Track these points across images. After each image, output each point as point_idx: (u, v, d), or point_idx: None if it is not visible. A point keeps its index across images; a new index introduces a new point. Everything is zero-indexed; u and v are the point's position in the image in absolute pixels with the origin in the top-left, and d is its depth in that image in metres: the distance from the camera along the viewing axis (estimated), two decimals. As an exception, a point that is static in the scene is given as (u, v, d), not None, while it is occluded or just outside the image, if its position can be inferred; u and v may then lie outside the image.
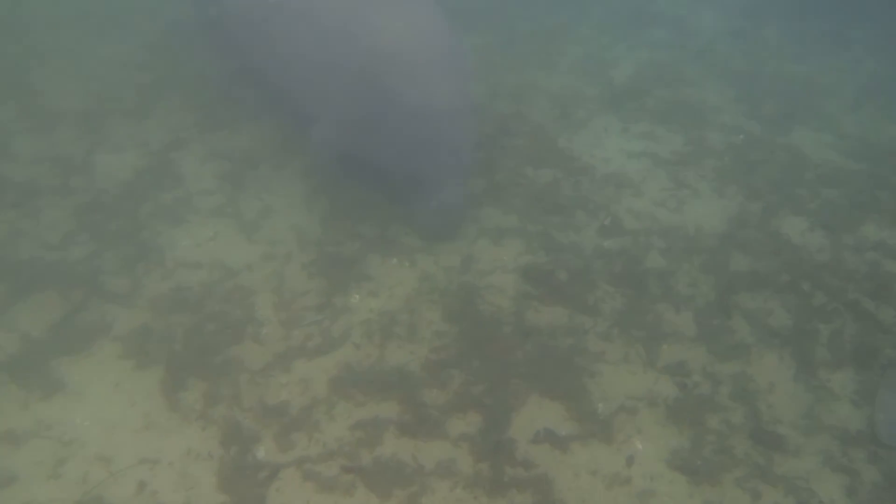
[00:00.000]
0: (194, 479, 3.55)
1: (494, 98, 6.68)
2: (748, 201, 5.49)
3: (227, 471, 3.59)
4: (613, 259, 4.90)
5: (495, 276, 4.74)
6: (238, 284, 4.62)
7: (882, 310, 4.62)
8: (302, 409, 3.90)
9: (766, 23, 8.35)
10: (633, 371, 4.17)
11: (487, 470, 3.61)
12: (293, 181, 5.47)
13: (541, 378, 4.05)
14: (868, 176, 5.86)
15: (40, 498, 3.45)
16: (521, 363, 4.13)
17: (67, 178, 5.40)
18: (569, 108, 6.58)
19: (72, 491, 3.48)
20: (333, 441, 3.74)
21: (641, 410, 3.95)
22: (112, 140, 5.83)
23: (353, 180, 5.44)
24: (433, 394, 3.98)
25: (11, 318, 4.35)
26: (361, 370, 4.11)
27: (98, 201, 5.19)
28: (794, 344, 4.36)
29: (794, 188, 5.64)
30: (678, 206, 5.43)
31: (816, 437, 3.87)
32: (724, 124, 6.41)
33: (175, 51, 7.11)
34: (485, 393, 3.97)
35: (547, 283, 4.64)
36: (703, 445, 3.78)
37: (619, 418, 3.88)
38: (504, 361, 4.13)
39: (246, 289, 4.59)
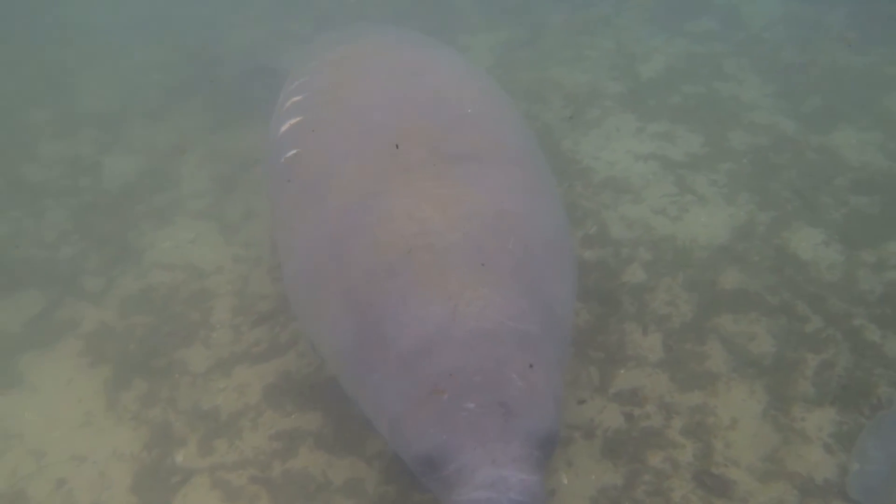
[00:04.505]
0: (111, 480, 3.64)
1: (507, 96, 6.41)
2: (759, 210, 4.93)
3: (143, 473, 3.65)
4: (589, 272, 4.56)
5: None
6: (203, 287, 4.69)
7: (889, 340, 4.00)
8: (231, 416, 3.90)
9: (831, 8, 7.49)
10: (580, 397, 3.85)
11: (393, 493, 3.45)
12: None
13: (472, 398, 3.82)
14: (913, 182, 5.12)
15: (-28, 487, 3.66)
16: (455, 381, 3.92)
17: (76, 179, 5.72)
18: (583, 106, 6.20)
19: None
20: (250, 450, 3.71)
21: (577, 441, 3.63)
22: (125, 142, 6.12)
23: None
24: (360, 408, 3.86)
25: (-4, 312, 4.66)
26: (299, 378, 4.06)
27: (98, 202, 5.46)
28: (772, 375, 3.86)
29: (818, 195, 5.02)
30: (678, 215, 4.97)
31: (773, 484, 3.40)
32: (754, 123, 5.81)
33: (203, 52, 7.35)
34: (411, 411, 3.80)
35: (505, 296, 4.39)
36: (636, 485, 3.42)
37: (549, 448, 3.60)
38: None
39: (209, 291, 4.66)
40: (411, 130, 3.27)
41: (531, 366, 2.53)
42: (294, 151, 3.56)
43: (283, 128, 3.77)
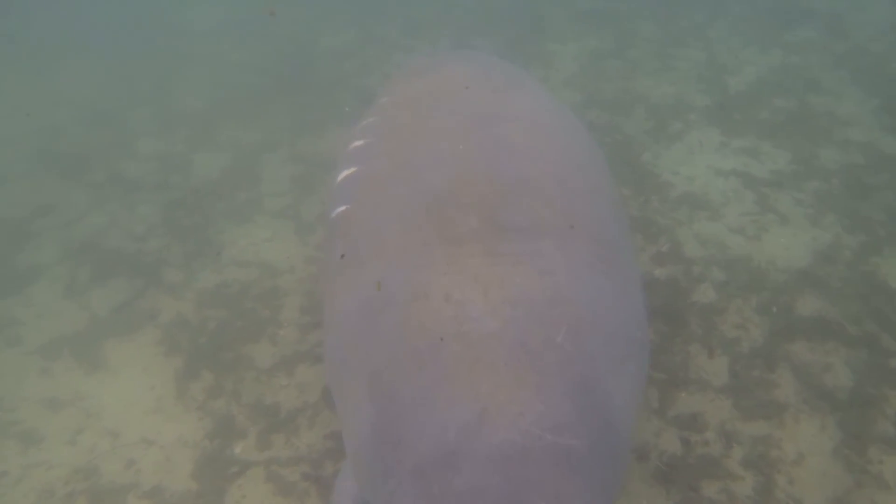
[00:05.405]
0: (175, 465, 3.82)
1: (587, 107, 6.31)
2: (846, 233, 4.65)
3: (204, 461, 3.81)
4: (658, 290, 4.43)
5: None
6: (275, 285, 4.86)
7: (985, 382, 3.69)
8: (290, 412, 4.02)
9: (948, 18, 6.98)
10: (637, 418, 3.74)
11: (438, 501, 3.47)
12: (357, 187, 5.62)
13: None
14: None
15: (54, 460, 3.93)
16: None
17: (167, 176, 6.05)
18: (667, 118, 6.02)
19: (79, 457, 3.92)
20: (305, 447, 3.81)
21: (630, 463, 3.54)
22: (215, 140, 6.42)
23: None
24: (413, 414, 3.89)
25: (87, 298, 4.98)
26: (356, 381, 4.14)
27: (184, 199, 5.75)
28: (847, 411, 3.63)
29: (917, 220, 4.69)
30: (756, 234, 4.75)
31: (839, 527, 3.21)
32: (848, 140, 5.47)
33: (295, 56, 7.62)
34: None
35: (566, 310, 4.32)
36: (688, 514, 3.31)
37: (599, 468, 3.52)
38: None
39: (280, 290, 4.82)
40: (466, 194, 2.87)
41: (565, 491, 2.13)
42: (343, 207, 3.25)
43: (340, 177, 3.46)
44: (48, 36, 9.45)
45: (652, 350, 4.06)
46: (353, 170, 3.39)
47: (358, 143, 3.56)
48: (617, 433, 2.37)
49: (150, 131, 6.74)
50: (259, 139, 6.37)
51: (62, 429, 4.11)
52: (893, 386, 3.73)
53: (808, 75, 6.40)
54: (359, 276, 2.84)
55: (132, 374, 4.38)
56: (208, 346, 4.45)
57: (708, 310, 4.27)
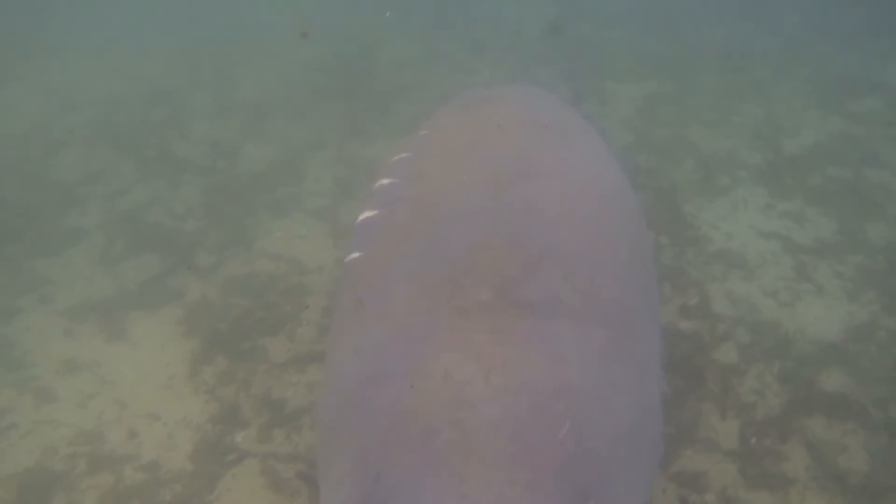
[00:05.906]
0: (175, 444, 3.88)
1: (637, 149, 6.27)
2: (884, 313, 4.51)
3: (203, 444, 3.86)
4: (679, 342, 4.35)
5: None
6: (301, 282, 4.92)
7: None
8: (295, 410, 4.05)
9: None
10: (638, 467, 3.68)
11: (425, 521, 3.45)
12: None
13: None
14: None
15: (62, 420, 4.03)
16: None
17: (215, 161, 6.19)
18: (715, 171, 5.95)
19: (86, 422, 4.02)
20: (304, 447, 3.84)
21: (623, 514, 3.47)
22: (266, 133, 6.56)
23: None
24: (415, 430, 3.88)
25: (120, 268, 5.12)
26: (364, 388, 4.15)
27: (228, 185, 5.87)
28: (859, 497, 3.50)
29: (960, 310, 4.53)
30: (789, 301, 4.64)
31: None
32: (901, 219, 5.34)
33: (356, 61, 7.76)
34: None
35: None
36: (676, 576, 3.23)
37: (591, 515, 3.46)
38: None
39: (306, 288, 4.87)
40: (482, 262, 2.64)
41: None
42: (357, 255, 3.07)
43: (361, 218, 3.27)
44: (116, 13, 9.80)
45: (664, 402, 4.00)
46: (374, 213, 3.23)
47: (385, 181, 3.39)
48: None
49: (205, 115, 6.92)
50: (308, 137, 6.49)
51: (76, 391, 4.21)
52: (911, 477, 3.60)
53: (867, 147, 6.26)
54: (361, 337, 2.67)
55: (150, 349, 4.47)
56: (227, 333, 4.52)
57: (727, 370, 4.18)
